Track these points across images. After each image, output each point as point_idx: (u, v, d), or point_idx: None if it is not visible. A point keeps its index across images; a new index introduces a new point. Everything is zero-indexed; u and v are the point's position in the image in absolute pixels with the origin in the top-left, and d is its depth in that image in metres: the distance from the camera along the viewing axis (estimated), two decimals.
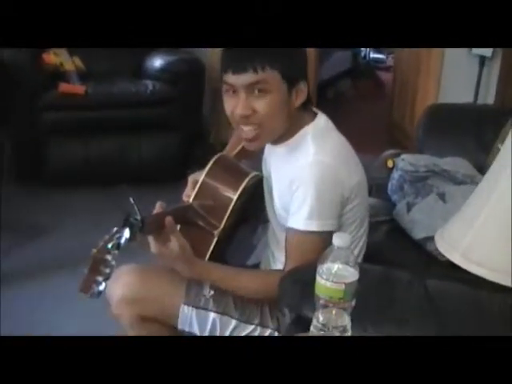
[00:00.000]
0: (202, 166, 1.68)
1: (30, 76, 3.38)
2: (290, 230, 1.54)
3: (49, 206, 3.32)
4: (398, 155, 2.31)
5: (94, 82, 3.53)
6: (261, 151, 1.71)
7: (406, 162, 2.17)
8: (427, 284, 1.35)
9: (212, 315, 1.59)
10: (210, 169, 1.65)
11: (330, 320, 1.08)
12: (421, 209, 2.03)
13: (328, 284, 1.15)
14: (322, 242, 1.40)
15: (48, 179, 3.48)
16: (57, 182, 3.48)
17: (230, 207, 1.60)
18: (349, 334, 1.07)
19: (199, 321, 1.59)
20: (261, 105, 1.48)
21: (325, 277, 1.16)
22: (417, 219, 2.01)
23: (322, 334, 1.06)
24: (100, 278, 1.28)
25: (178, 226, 1.55)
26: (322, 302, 1.17)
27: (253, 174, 1.67)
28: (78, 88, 3.43)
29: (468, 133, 2.49)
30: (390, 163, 2.30)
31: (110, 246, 1.29)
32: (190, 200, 1.63)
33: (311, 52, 4.02)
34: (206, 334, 1.59)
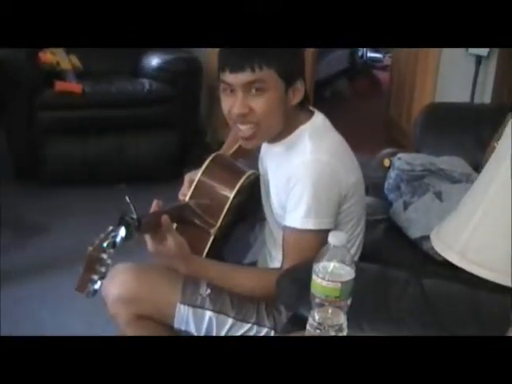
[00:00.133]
0: (199, 165, 1.68)
1: (27, 75, 3.37)
2: (286, 229, 1.54)
3: (46, 205, 3.32)
4: (394, 154, 2.31)
5: (92, 81, 3.52)
6: (258, 150, 1.71)
7: (403, 161, 2.17)
8: (423, 283, 1.36)
9: (208, 314, 1.59)
10: (207, 167, 1.65)
11: (326, 319, 1.08)
12: (417, 208, 2.03)
13: (324, 283, 1.15)
14: (319, 240, 1.40)
15: (45, 178, 3.47)
16: (54, 181, 3.48)
17: (227, 206, 1.60)
18: (345, 332, 1.07)
19: (195, 320, 1.59)
20: (258, 104, 1.48)
21: (321, 275, 1.16)
22: (413, 218, 2.02)
23: (318, 332, 1.06)
24: (95, 277, 1.28)
25: (175, 225, 1.55)
26: (317, 300, 1.16)
27: (249, 172, 1.67)
28: (74, 86, 3.42)
29: (465, 132, 2.49)
30: (386, 162, 2.30)
31: (105, 244, 1.29)
32: (187, 199, 1.63)
33: (308, 51, 4.02)
34: (203, 332, 1.59)
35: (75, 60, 3.60)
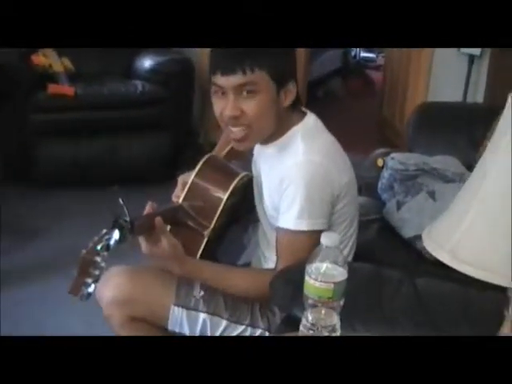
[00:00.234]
0: (193, 167, 1.68)
1: (19, 77, 3.36)
2: (280, 230, 1.54)
3: (38, 207, 3.31)
4: (387, 154, 2.31)
5: (84, 83, 3.51)
6: (251, 151, 1.71)
7: (396, 160, 2.18)
8: (416, 282, 1.36)
9: (202, 316, 1.59)
10: (200, 169, 1.65)
11: (319, 320, 1.08)
12: (410, 207, 2.03)
13: (317, 284, 1.15)
14: (313, 241, 1.40)
15: (38, 181, 3.46)
16: (47, 183, 3.47)
17: (220, 207, 1.60)
18: (338, 333, 1.07)
19: (189, 322, 1.59)
20: (249, 106, 1.48)
21: (313, 276, 1.16)
22: (406, 218, 2.02)
23: (311, 333, 1.07)
24: (89, 280, 1.28)
25: (168, 227, 1.55)
26: (310, 301, 1.16)
27: (242, 174, 1.67)
28: (67, 89, 3.42)
29: (458, 131, 2.50)
30: (379, 162, 2.30)
31: (99, 247, 1.29)
32: (180, 200, 1.63)
33: (301, 51, 4.03)
34: (197, 334, 1.59)
35: (67, 62, 3.59)
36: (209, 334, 1.59)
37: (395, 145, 3.78)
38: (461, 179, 2.07)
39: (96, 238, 1.32)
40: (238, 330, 1.59)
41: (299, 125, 1.56)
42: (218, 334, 1.59)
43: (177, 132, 3.68)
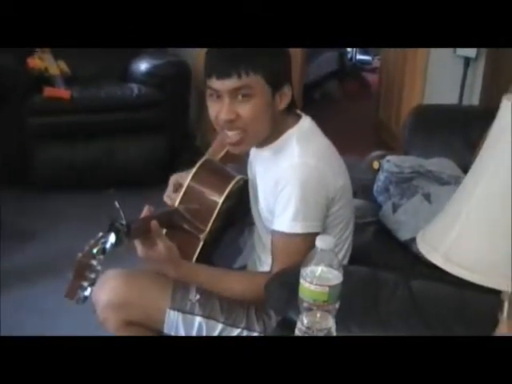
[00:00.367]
0: (189, 169, 1.68)
1: (15, 81, 3.36)
2: (275, 233, 1.54)
3: (35, 210, 3.31)
4: (383, 157, 2.31)
5: (80, 86, 3.52)
6: (246, 155, 1.71)
7: (392, 163, 2.18)
8: (412, 285, 1.36)
9: (198, 319, 1.59)
10: (196, 173, 1.65)
11: (315, 323, 1.08)
12: (406, 210, 2.04)
13: (312, 287, 1.15)
14: (308, 243, 1.40)
15: (34, 184, 3.46)
16: (43, 186, 3.47)
17: (216, 211, 1.60)
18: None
19: (185, 325, 1.59)
20: (245, 109, 1.48)
21: (308, 280, 1.16)
22: (402, 220, 2.02)
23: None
24: (85, 284, 1.27)
25: (164, 230, 1.55)
26: (306, 304, 1.17)
27: (238, 177, 1.67)
28: (63, 92, 3.42)
29: (453, 133, 2.50)
30: (375, 165, 2.30)
31: (95, 251, 1.29)
32: (176, 203, 1.63)
33: (298, 53, 4.03)
34: None
35: (63, 65, 3.59)
36: None
37: (391, 147, 3.78)
38: (456, 182, 2.07)
39: (92, 242, 1.32)
40: (233, 334, 1.59)
41: (294, 128, 1.56)
42: None
43: (173, 135, 3.68)
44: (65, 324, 2.35)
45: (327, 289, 1.16)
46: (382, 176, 2.21)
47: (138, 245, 1.48)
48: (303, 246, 1.43)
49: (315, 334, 1.06)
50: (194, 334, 1.59)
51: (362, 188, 2.28)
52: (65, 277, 1.32)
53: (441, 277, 1.10)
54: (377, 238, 2.11)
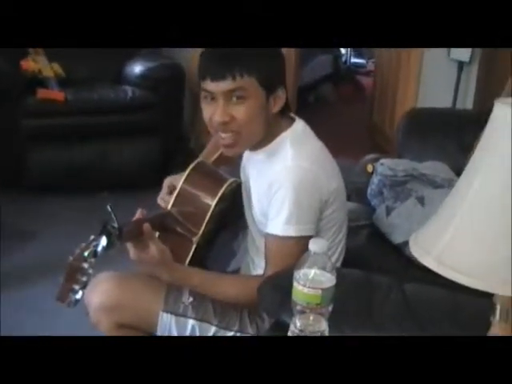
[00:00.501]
0: (183, 172, 1.68)
1: (8, 83, 3.35)
2: (268, 236, 1.54)
3: (29, 212, 3.30)
4: (377, 160, 2.31)
5: (74, 89, 3.51)
6: (239, 157, 1.71)
7: (385, 166, 2.18)
8: (405, 288, 1.36)
9: (191, 322, 1.59)
10: (188, 175, 1.65)
11: (308, 326, 1.08)
12: (400, 213, 2.04)
13: (305, 290, 1.15)
14: (301, 247, 1.40)
15: (27, 186, 3.45)
16: (36, 189, 3.45)
17: (209, 213, 1.60)
18: None
19: (178, 328, 1.58)
20: (239, 112, 1.48)
21: (302, 282, 1.16)
22: (396, 223, 2.02)
23: None
24: (77, 287, 1.27)
25: (157, 233, 1.54)
26: (299, 307, 1.17)
27: (231, 180, 1.67)
28: (57, 94, 3.41)
29: (447, 137, 2.51)
30: (369, 168, 2.31)
31: (86, 254, 1.29)
32: (169, 206, 1.63)
33: (292, 56, 4.04)
34: None
35: (57, 67, 3.59)
36: None
37: (385, 150, 3.79)
38: (450, 185, 2.08)
39: (83, 245, 1.31)
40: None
41: (288, 131, 1.56)
42: None
43: (167, 137, 3.68)
44: (64, 324, 2.34)
45: (320, 292, 1.16)
46: (375, 179, 2.21)
47: (130, 248, 1.48)
48: (296, 249, 1.43)
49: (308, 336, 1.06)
50: None
51: (355, 191, 2.28)
52: (57, 280, 1.31)
53: (434, 280, 1.10)
54: (370, 241, 2.11)
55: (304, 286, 1.16)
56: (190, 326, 1.58)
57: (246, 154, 1.67)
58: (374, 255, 2.04)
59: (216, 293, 1.58)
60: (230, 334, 1.59)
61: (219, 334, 1.59)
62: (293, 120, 1.60)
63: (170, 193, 1.68)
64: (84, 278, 1.28)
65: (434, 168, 2.21)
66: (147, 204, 1.60)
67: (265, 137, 1.55)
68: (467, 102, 3.82)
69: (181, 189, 1.63)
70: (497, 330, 0.99)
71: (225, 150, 1.58)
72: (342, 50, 6.93)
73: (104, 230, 1.33)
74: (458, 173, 2.15)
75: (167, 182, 1.71)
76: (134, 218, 1.53)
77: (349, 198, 1.93)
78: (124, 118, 3.56)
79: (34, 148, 3.45)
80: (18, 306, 2.52)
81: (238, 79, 1.45)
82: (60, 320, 2.30)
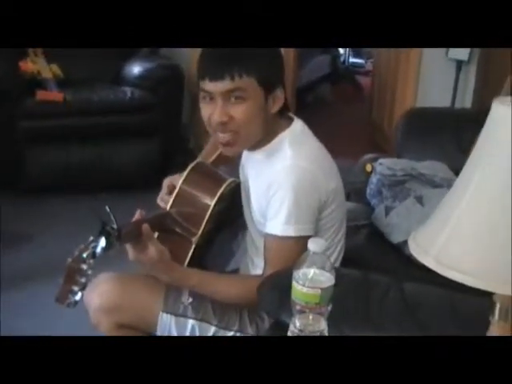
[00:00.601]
0: (183, 172, 1.68)
1: (7, 84, 3.35)
2: (267, 236, 1.54)
3: (27, 214, 3.30)
4: (376, 159, 2.32)
5: (73, 90, 3.51)
6: (238, 157, 1.71)
7: (384, 166, 2.18)
8: (404, 287, 1.36)
9: (191, 322, 1.59)
10: (187, 176, 1.65)
11: (307, 325, 1.08)
12: (398, 212, 2.04)
13: (304, 289, 1.16)
14: (300, 246, 1.40)
15: (27, 187, 3.45)
16: (36, 190, 3.45)
17: (208, 214, 1.60)
18: None
19: (178, 328, 1.58)
20: (238, 112, 1.48)
21: (301, 282, 1.16)
22: (395, 223, 2.03)
23: None
24: (76, 288, 1.27)
25: (156, 234, 1.54)
26: (298, 307, 1.17)
27: (230, 180, 1.67)
28: (56, 95, 3.41)
29: (446, 136, 2.51)
30: (368, 168, 2.31)
31: (85, 255, 1.29)
32: (168, 207, 1.63)
33: (290, 57, 4.04)
34: None
35: (56, 68, 3.59)
36: None
37: (384, 150, 3.79)
38: (448, 184, 2.08)
39: (82, 246, 1.31)
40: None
41: (286, 131, 1.56)
42: None
43: (166, 138, 3.67)
44: (64, 325, 2.34)
45: (319, 291, 1.16)
46: (374, 179, 2.21)
47: (129, 249, 1.48)
48: (295, 249, 1.43)
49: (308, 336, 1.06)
50: None
51: (354, 191, 2.28)
52: (57, 281, 1.31)
53: (433, 279, 1.10)
54: (369, 241, 2.11)
55: (303, 285, 1.16)
56: (190, 326, 1.58)
57: (245, 154, 1.68)
58: (373, 255, 2.05)
59: (215, 293, 1.58)
60: (230, 333, 1.59)
61: (219, 334, 1.59)
62: (291, 120, 1.60)
63: (170, 193, 1.68)
64: (83, 279, 1.28)
65: (432, 167, 2.21)
66: (146, 205, 1.60)
67: (263, 137, 1.55)
68: (466, 102, 3.82)
69: (180, 189, 1.63)
70: (496, 329, 0.99)
71: (224, 149, 1.58)
72: (341, 50, 6.93)
73: (103, 231, 1.33)
74: (457, 172, 2.16)
75: (167, 182, 1.71)
76: (133, 219, 1.53)
77: (348, 198, 1.93)
78: (123, 118, 3.55)
79: (33, 149, 3.45)
80: (17, 309, 2.52)
81: (236, 79, 1.45)
82: (60, 321, 2.30)
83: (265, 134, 1.55)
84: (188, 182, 1.64)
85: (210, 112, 1.51)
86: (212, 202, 1.61)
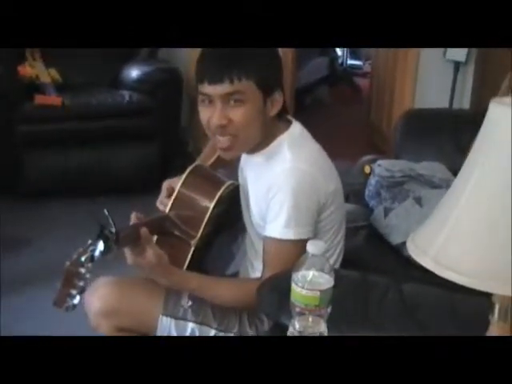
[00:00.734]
0: (182, 175, 1.68)
1: (6, 88, 3.35)
2: (267, 239, 1.54)
3: (27, 218, 3.29)
4: (375, 161, 2.32)
5: (71, 94, 3.52)
6: (237, 160, 1.71)
7: (383, 167, 2.18)
8: (403, 288, 1.36)
9: (191, 325, 1.59)
10: (186, 178, 1.65)
11: (307, 327, 1.08)
12: (397, 214, 2.04)
13: (303, 291, 1.16)
14: (299, 249, 1.40)
15: (25, 192, 3.45)
16: (34, 194, 3.45)
17: (207, 216, 1.60)
18: None
19: (178, 331, 1.58)
20: (236, 115, 1.48)
21: (300, 284, 1.16)
22: (394, 224, 2.03)
23: None
24: (74, 292, 1.27)
25: (155, 237, 1.54)
26: (297, 309, 1.17)
27: (229, 182, 1.67)
28: (54, 99, 3.41)
29: (444, 137, 2.51)
30: (367, 169, 2.31)
31: (83, 259, 1.28)
32: (167, 210, 1.63)
33: (288, 59, 4.04)
34: None
35: (54, 73, 3.59)
36: None
37: (383, 151, 3.80)
38: (447, 185, 2.06)
39: (81, 249, 1.31)
40: None
41: (285, 134, 1.56)
42: None
43: (165, 141, 3.68)
44: (63, 330, 2.32)
45: (318, 293, 1.16)
46: (373, 180, 2.21)
47: (127, 252, 1.48)
48: (294, 252, 1.42)
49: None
50: None
51: (353, 192, 2.28)
52: (55, 285, 1.31)
53: (432, 280, 1.10)
54: (369, 242, 2.11)
55: (302, 287, 1.16)
56: (190, 330, 1.58)
57: (244, 157, 1.67)
58: (372, 256, 2.05)
59: (213, 296, 1.58)
60: (230, 336, 1.59)
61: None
62: (290, 123, 1.60)
63: (169, 196, 1.68)
64: (81, 283, 1.28)
65: (431, 168, 2.21)
66: (145, 208, 1.59)
67: (262, 140, 1.55)
68: (464, 102, 3.83)
69: (178, 192, 1.63)
70: (495, 329, 0.99)
71: (222, 153, 1.58)
72: (339, 52, 6.95)
73: (101, 235, 1.33)
74: (455, 173, 2.16)
75: (166, 184, 1.71)
76: (131, 223, 1.53)
77: (347, 200, 1.93)
78: (121, 122, 3.56)
79: (32, 153, 3.45)
80: (16, 313, 2.51)
81: (235, 82, 1.45)
82: (59, 325, 2.30)
83: (264, 137, 1.55)
84: (186, 185, 1.64)
85: (208, 115, 1.50)
86: (211, 205, 1.60)
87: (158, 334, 1.60)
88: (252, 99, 1.48)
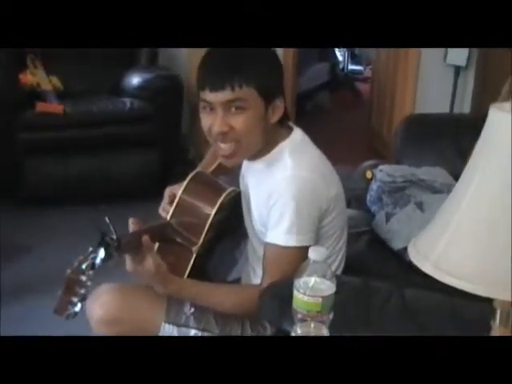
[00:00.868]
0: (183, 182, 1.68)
1: (7, 96, 3.36)
2: (268, 245, 1.53)
3: (27, 226, 3.29)
4: (376, 166, 2.32)
5: (72, 101, 3.52)
6: (238, 167, 1.71)
7: (384, 172, 2.18)
8: (404, 294, 1.36)
9: (193, 332, 1.58)
10: (187, 185, 1.65)
11: (309, 333, 1.08)
12: (399, 219, 2.04)
13: (305, 298, 1.16)
14: (301, 255, 1.40)
15: (26, 199, 3.45)
16: (36, 201, 3.45)
17: (208, 223, 1.60)
18: None
19: None
20: (238, 122, 1.48)
21: (302, 291, 1.16)
22: (395, 229, 2.02)
23: None
24: (75, 299, 1.27)
25: (157, 244, 1.54)
26: (299, 315, 1.17)
27: (230, 189, 1.67)
28: (55, 107, 3.42)
29: (445, 142, 2.51)
30: (368, 174, 2.31)
31: (84, 266, 1.28)
32: (168, 217, 1.63)
33: (289, 65, 4.05)
34: None
35: (56, 81, 3.60)
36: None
37: (383, 156, 3.80)
38: (448, 190, 2.06)
39: (82, 257, 1.31)
40: None
41: (286, 140, 1.56)
42: None
43: (166, 148, 3.68)
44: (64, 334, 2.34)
45: (320, 299, 1.16)
46: (374, 186, 2.21)
47: (127, 259, 1.47)
48: (296, 259, 1.42)
49: None
50: None
51: (355, 198, 2.28)
52: (56, 293, 1.31)
53: (434, 285, 1.10)
54: (370, 248, 2.11)
55: (304, 294, 1.16)
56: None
57: (245, 164, 1.67)
58: (373, 261, 2.04)
59: (213, 304, 1.58)
60: None
61: None
62: (291, 129, 1.60)
63: (171, 203, 1.68)
64: (82, 291, 1.28)
65: (432, 173, 2.21)
66: (146, 215, 1.59)
67: (263, 146, 1.55)
68: (464, 107, 3.83)
69: (180, 199, 1.63)
70: (497, 334, 0.99)
71: (224, 160, 1.58)
72: (340, 58, 6.96)
73: (102, 242, 1.33)
74: (457, 177, 2.15)
75: (168, 191, 1.71)
76: (132, 230, 1.52)
77: (348, 205, 1.93)
78: (122, 129, 3.56)
79: (32, 161, 3.45)
80: (17, 320, 2.51)
81: (237, 90, 1.45)
82: (60, 332, 2.29)
83: (265, 144, 1.55)
84: (188, 192, 1.64)
85: (210, 122, 1.51)
86: (212, 212, 1.60)
87: None
88: (253, 106, 1.48)
